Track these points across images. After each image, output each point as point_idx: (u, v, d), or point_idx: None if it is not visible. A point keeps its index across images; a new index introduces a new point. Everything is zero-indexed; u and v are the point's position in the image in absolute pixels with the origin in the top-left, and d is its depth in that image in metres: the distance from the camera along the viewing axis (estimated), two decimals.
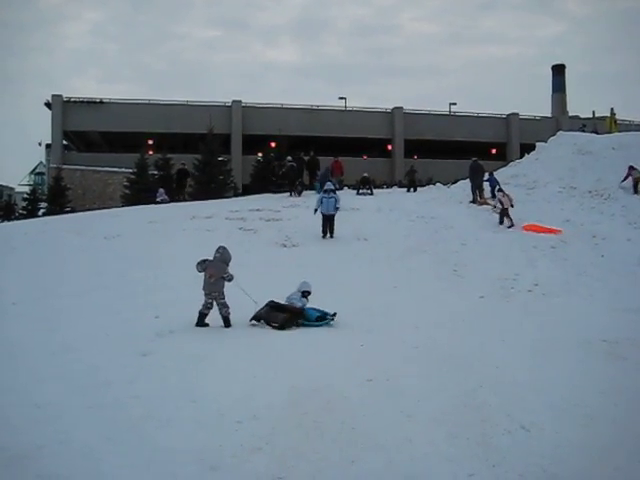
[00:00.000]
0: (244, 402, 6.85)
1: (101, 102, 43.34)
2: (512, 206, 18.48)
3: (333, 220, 17.73)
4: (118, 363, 8.08)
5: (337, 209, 17.72)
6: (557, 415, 6.66)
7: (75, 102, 43.17)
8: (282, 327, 9.87)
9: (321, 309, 10.39)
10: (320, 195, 18.18)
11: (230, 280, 10.02)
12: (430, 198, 22.35)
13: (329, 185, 18.29)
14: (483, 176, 21.99)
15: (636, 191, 19.90)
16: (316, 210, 17.68)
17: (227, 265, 10.09)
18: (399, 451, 5.92)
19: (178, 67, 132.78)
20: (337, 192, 18.44)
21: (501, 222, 18.26)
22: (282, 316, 10.02)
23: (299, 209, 19.60)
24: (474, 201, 21.05)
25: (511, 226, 17.96)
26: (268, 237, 16.88)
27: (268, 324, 10.01)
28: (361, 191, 25.55)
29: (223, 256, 10.11)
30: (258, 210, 19.85)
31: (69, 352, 8.55)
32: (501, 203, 18.63)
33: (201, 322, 9.89)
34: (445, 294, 13.25)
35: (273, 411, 6.64)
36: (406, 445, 6.02)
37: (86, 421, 6.35)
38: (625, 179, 20.33)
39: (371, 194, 25.32)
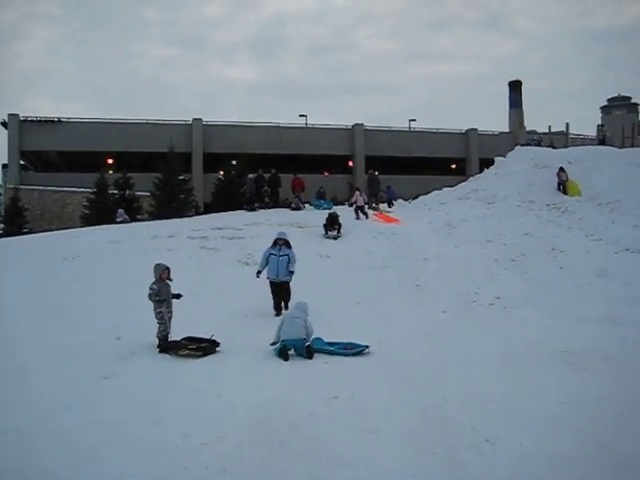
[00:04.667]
0: (208, 423, 6.79)
1: (59, 121, 42.70)
2: (367, 204, 23.27)
3: (286, 289, 12.54)
4: (79, 386, 7.94)
5: (291, 273, 12.50)
6: (521, 427, 6.73)
7: (32, 121, 42.48)
8: (203, 352, 9.40)
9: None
10: (267, 250, 12.74)
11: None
12: (392, 213, 22.51)
13: (281, 234, 12.91)
14: (379, 186, 26.64)
15: (565, 192, 21.18)
16: (259, 272, 12.57)
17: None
18: (365, 467, 5.92)
19: (136, 86, 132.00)
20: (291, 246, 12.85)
21: (357, 217, 21.99)
22: (204, 345, 9.58)
23: (261, 227, 19.51)
24: (370, 206, 24.24)
25: (358, 218, 21.85)
26: (230, 256, 16.76)
27: (184, 349, 9.48)
28: (330, 234, 19.62)
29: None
30: (220, 228, 19.72)
31: (28, 376, 8.37)
32: (357, 201, 22.59)
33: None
34: (408, 309, 13.32)
35: (238, 431, 6.60)
36: (372, 461, 6.03)
37: (45, 447, 6.22)
38: (559, 180, 21.56)
39: (338, 235, 19.57)
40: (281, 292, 12.47)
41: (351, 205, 23.58)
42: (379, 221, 21.79)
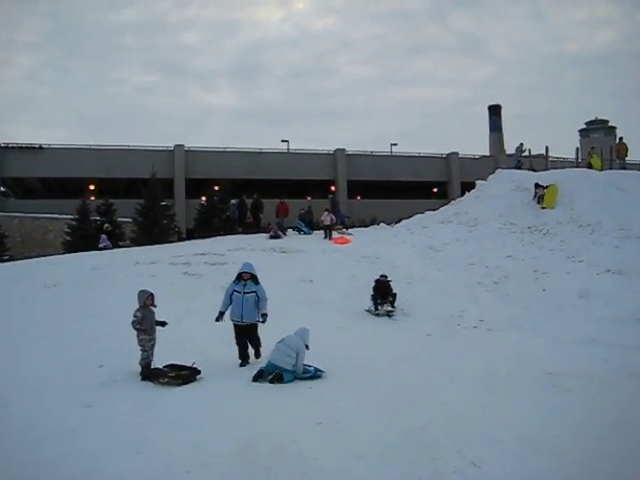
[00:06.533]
0: (192, 451, 6.71)
1: (40, 148, 42.50)
2: (334, 223, 24.54)
3: (254, 333, 10.52)
4: (59, 416, 7.82)
5: (264, 317, 10.31)
6: (506, 449, 6.72)
7: (13, 148, 42.30)
8: (183, 380, 9.27)
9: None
10: (230, 286, 10.66)
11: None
12: (375, 238, 22.56)
13: (247, 267, 10.62)
14: (339, 207, 28.34)
15: (540, 203, 21.87)
16: (221, 314, 10.46)
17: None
18: None
19: (117, 112, 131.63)
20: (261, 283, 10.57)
21: (326, 236, 23.68)
22: (184, 372, 9.43)
23: (244, 252, 19.47)
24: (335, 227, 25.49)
25: (326, 238, 23.50)
26: (213, 281, 16.62)
27: (164, 377, 9.32)
28: (382, 309, 14.82)
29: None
30: (202, 254, 19.66)
31: (5, 407, 8.24)
32: (323, 221, 24.40)
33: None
34: (392, 333, 13.33)
35: (222, 459, 6.52)
36: None
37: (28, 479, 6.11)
38: (535, 196, 22.19)
39: (392, 310, 14.85)
40: (247, 337, 10.46)
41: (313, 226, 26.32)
42: (337, 244, 22.44)
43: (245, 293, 10.35)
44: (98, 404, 8.29)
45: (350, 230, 26.30)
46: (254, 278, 10.52)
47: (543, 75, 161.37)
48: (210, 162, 43.18)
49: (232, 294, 10.47)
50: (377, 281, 15.09)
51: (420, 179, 47.58)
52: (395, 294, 14.88)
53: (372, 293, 14.90)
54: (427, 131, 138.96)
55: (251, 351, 10.63)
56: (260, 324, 10.45)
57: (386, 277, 15.22)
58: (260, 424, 7.48)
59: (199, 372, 9.54)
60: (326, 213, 24.75)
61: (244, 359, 10.43)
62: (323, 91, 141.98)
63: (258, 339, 10.58)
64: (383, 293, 14.88)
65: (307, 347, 9.75)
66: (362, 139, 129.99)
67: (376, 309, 14.76)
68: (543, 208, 21.47)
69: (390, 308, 14.78)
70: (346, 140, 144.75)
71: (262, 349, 10.53)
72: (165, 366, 9.65)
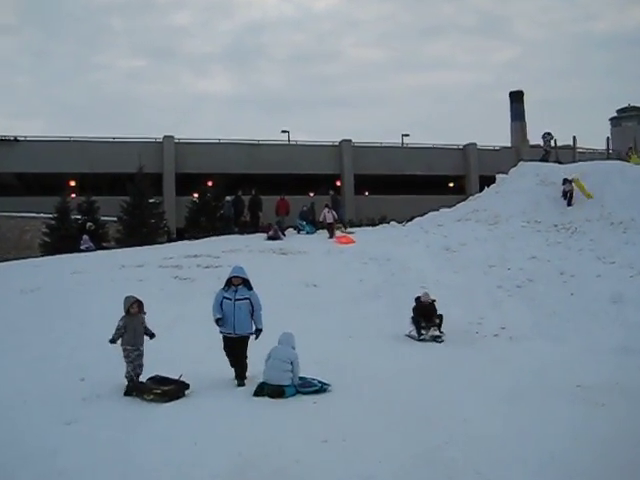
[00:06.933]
0: (184, 473, 6.70)
1: (16, 140, 42.51)
2: (336, 222, 25.66)
3: (244, 347, 10.05)
4: (38, 434, 7.82)
5: (258, 332, 10.07)
6: (530, 470, 6.70)
7: None
8: (169, 397, 9.17)
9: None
10: (219, 293, 10.15)
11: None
12: (384, 237, 22.55)
13: (237, 271, 10.16)
14: (340, 206, 29.53)
15: (570, 203, 21.81)
16: (219, 320, 9.92)
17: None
18: None
19: (100, 101, 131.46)
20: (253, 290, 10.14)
21: (330, 236, 24.31)
22: (170, 388, 9.33)
23: (240, 254, 19.48)
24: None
25: (331, 237, 24.15)
26: (207, 286, 16.51)
27: (149, 393, 9.23)
28: (427, 334, 13.84)
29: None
30: (195, 256, 19.66)
31: None
32: (325, 219, 25.42)
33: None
34: (405, 342, 13.31)
35: None
36: None
37: None
38: (563, 193, 22.15)
39: (441, 335, 13.85)
40: (238, 349, 10.00)
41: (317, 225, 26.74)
42: (339, 243, 22.74)
43: (237, 300, 9.96)
44: (80, 421, 8.29)
45: (355, 229, 26.35)
46: (246, 283, 10.14)
47: (570, 57, 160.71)
48: (203, 155, 43.17)
49: (222, 302, 10.03)
50: (417, 300, 14.33)
51: (434, 173, 47.52)
52: (441, 315, 14.02)
53: (412, 315, 14.10)
54: (442, 120, 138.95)
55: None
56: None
57: (429, 297, 14.35)
58: (259, 442, 7.46)
59: (187, 386, 9.49)
60: (327, 210, 25.67)
61: (242, 378, 10.02)
62: (327, 76, 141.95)
63: (245, 357, 10.08)
64: (427, 315, 14.06)
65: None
66: (370, 129, 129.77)
67: (419, 334, 13.85)
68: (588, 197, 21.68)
69: (437, 333, 13.86)
70: (353, 131, 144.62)
71: (253, 365, 10.04)
72: (149, 379, 9.60)
